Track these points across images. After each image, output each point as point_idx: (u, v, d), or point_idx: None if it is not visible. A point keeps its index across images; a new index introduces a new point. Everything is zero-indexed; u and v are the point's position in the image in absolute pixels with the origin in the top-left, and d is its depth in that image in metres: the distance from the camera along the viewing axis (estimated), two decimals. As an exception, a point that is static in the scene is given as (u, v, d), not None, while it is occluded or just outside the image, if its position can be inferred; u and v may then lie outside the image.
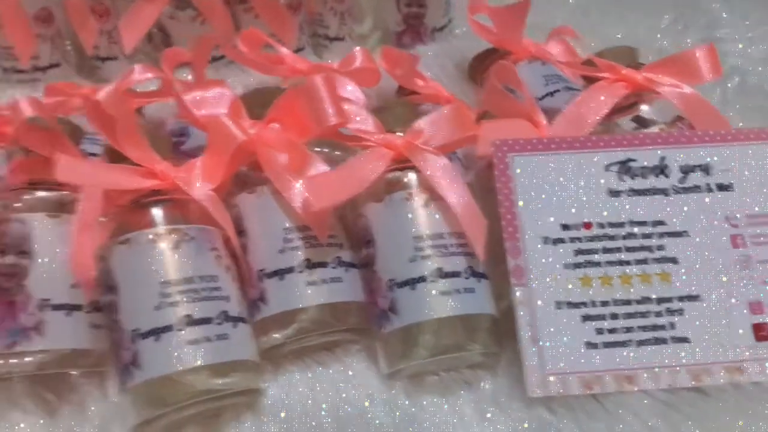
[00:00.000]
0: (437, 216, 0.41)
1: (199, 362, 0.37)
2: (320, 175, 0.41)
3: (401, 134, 0.44)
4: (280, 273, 0.41)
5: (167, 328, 0.37)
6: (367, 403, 0.40)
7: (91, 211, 0.42)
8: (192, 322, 0.37)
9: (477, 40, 0.75)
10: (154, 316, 0.37)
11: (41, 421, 0.40)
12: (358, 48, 0.63)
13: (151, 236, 0.39)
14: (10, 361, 0.39)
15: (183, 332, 0.37)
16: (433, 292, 0.39)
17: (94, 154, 0.48)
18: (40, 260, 0.40)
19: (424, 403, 0.40)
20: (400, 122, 0.45)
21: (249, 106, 0.46)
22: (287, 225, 0.42)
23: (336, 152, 0.48)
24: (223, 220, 0.41)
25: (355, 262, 0.43)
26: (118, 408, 0.40)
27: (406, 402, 0.40)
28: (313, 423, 0.39)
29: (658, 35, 0.72)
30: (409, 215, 0.41)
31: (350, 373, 0.42)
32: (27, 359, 0.39)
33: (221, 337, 0.38)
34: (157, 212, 0.40)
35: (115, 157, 0.42)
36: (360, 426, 0.39)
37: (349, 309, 0.42)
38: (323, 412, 0.40)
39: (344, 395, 0.41)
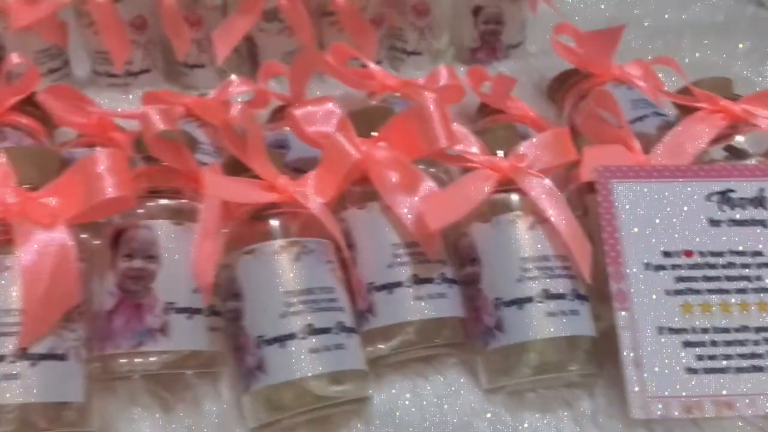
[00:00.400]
0: (543, 238, 0.43)
1: (320, 370, 0.39)
2: (434, 195, 0.43)
3: (501, 155, 0.46)
4: (389, 287, 0.43)
5: (291, 336, 0.39)
6: (470, 417, 0.42)
7: (212, 220, 0.44)
8: (313, 331, 0.39)
9: (551, 59, 0.76)
10: (279, 324, 0.39)
11: (157, 416, 0.42)
12: (443, 66, 0.65)
13: (275, 248, 0.41)
14: (135, 360, 0.41)
15: (305, 341, 0.39)
16: (540, 312, 0.41)
17: (204, 164, 0.51)
18: (166, 265, 0.42)
19: (525, 419, 0.42)
20: (502, 144, 0.47)
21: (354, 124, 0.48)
22: (396, 241, 0.43)
23: (430, 169, 0.50)
24: (337, 234, 0.43)
25: (456, 278, 0.45)
26: (233, 408, 0.42)
27: (508, 417, 0.42)
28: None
29: (735, 61, 0.73)
30: (516, 237, 0.43)
31: (451, 386, 0.44)
32: (151, 359, 0.41)
33: (338, 346, 0.40)
34: (275, 224, 0.42)
35: (232, 169, 0.45)
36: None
37: (452, 324, 0.44)
38: (426, 423, 0.42)
39: (446, 407, 0.43)
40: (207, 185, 0.40)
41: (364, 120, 0.48)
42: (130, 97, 0.70)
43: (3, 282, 0.37)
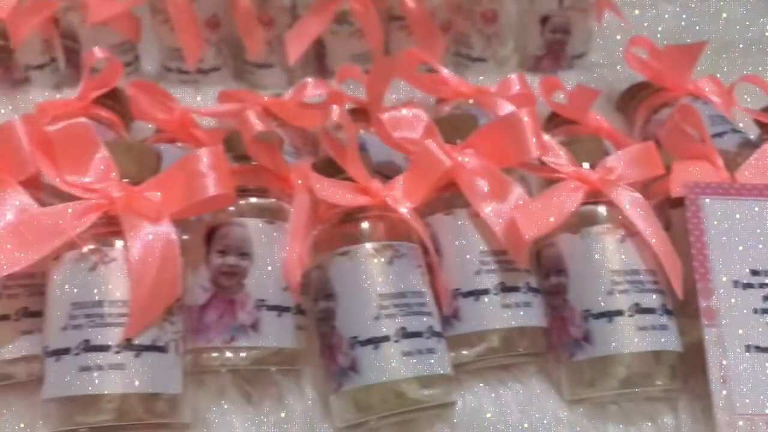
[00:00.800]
0: (633, 252, 0.43)
1: (412, 373, 0.39)
2: (526, 204, 0.43)
3: (587, 167, 0.46)
4: (475, 294, 0.43)
5: (385, 338, 0.39)
6: (553, 425, 0.42)
7: (302, 220, 0.45)
8: (407, 334, 0.40)
9: (614, 70, 0.77)
10: (373, 325, 0.40)
11: (247, 411, 0.43)
12: (514, 74, 0.65)
13: (369, 250, 0.41)
14: (227, 354, 0.42)
15: (398, 343, 0.39)
16: (630, 326, 0.41)
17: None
18: (257, 263, 0.43)
19: (608, 430, 0.42)
20: (589, 156, 0.47)
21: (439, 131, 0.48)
22: (484, 248, 0.44)
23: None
24: (426, 239, 0.43)
25: (539, 288, 0.45)
26: (317, 406, 0.43)
27: (591, 428, 0.42)
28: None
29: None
30: (607, 249, 0.43)
31: (532, 394, 0.44)
32: (242, 354, 0.42)
33: (430, 351, 0.40)
34: (366, 227, 0.43)
35: (323, 170, 0.45)
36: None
37: (535, 334, 0.44)
38: (510, 429, 0.42)
39: (528, 415, 0.43)
40: (313, 186, 0.41)
41: (450, 127, 0.48)
42: (198, 97, 0.71)
43: (108, 273, 0.38)
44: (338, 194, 0.42)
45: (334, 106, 0.43)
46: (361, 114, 0.61)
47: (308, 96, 0.61)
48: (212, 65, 0.72)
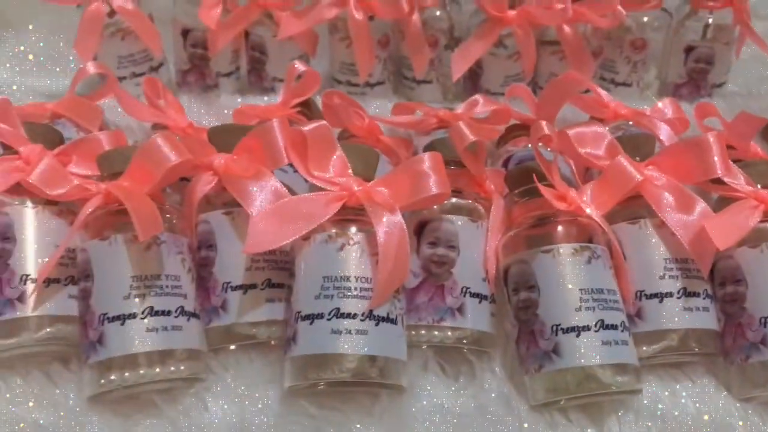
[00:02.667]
0: (812, 267, 0.47)
1: (608, 360, 0.44)
2: (713, 218, 0.48)
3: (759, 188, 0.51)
4: (659, 296, 0.48)
5: (586, 328, 0.45)
6: (726, 418, 0.47)
7: (499, 220, 0.51)
8: (605, 326, 0.45)
9: (753, 99, 0.80)
10: (575, 316, 0.45)
11: (446, 383, 0.49)
12: (667, 99, 0.70)
13: (571, 250, 0.47)
14: (434, 332, 0.49)
15: (598, 333, 0.45)
16: (809, 333, 0.45)
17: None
18: (462, 254, 0.49)
19: (780, 428, 0.46)
20: (762, 178, 0.51)
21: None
22: (668, 256, 0.49)
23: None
24: (616, 244, 0.48)
25: (713, 294, 0.50)
26: (508, 383, 0.49)
27: (761, 423, 0.46)
28: (685, 429, 0.46)
29: None
30: (788, 264, 0.47)
31: (703, 391, 0.48)
32: (448, 333, 0.48)
33: (623, 342, 0.45)
34: (561, 230, 0.48)
35: (518, 178, 0.51)
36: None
37: (709, 336, 0.48)
38: (686, 418, 0.47)
39: (702, 408, 0.47)
40: (546, 193, 0.47)
41: (631, 145, 0.53)
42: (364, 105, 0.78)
43: (354, 254, 0.45)
44: (545, 201, 0.48)
45: (544, 122, 0.49)
46: (521, 130, 0.67)
47: (478, 111, 0.67)
48: (378, 79, 0.80)
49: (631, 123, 0.66)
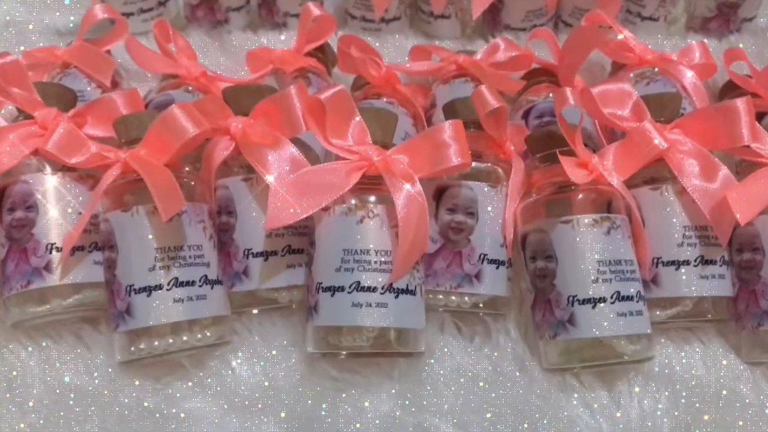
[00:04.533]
0: None
1: (623, 331, 0.45)
2: (735, 187, 0.47)
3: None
4: (676, 264, 0.48)
5: (602, 299, 0.45)
6: (733, 381, 0.49)
7: (518, 185, 0.51)
8: (621, 297, 0.46)
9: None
10: (592, 288, 0.46)
11: (462, 344, 0.50)
12: (695, 42, 0.67)
13: (590, 221, 0.47)
14: (451, 297, 0.50)
15: (614, 305, 0.45)
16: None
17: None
18: (482, 221, 0.49)
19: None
20: (789, 143, 0.50)
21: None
22: (687, 223, 0.49)
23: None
24: (636, 213, 0.48)
25: (729, 261, 0.50)
26: (522, 344, 0.50)
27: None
28: (697, 391, 0.48)
29: None
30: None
31: (713, 354, 0.50)
32: (465, 299, 0.49)
33: (638, 312, 0.46)
34: (581, 198, 0.48)
35: (539, 142, 0.50)
36: (729, 402, 0.47)
37: (723, 302, 0.49)
38: (695, 381, 0.48)
39: (712, 370, 0.49)
40: (566, 164, 0.46)
41: (657, 105, 0.52)
42: (377, 43, 0.76)
43: (374, 227, 0.45)
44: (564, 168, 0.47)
45: (568, 90, 0.47)
46: (543, 75, 0.65)
47: (499, 56, 0.65)
48: (394, 15, 0.76)
49: (656, 69, 0.64)
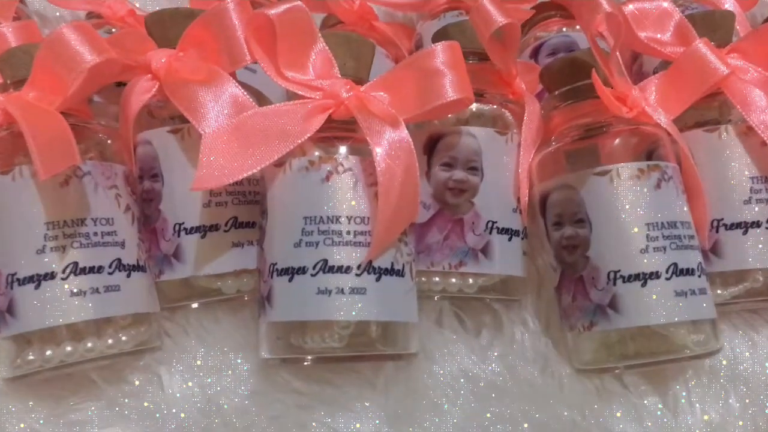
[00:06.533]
0: None
1: (684, 316, 0.34)
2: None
3: None
4: (743, 226, 0.37)
5: (654, 275, 0.34)
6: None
7: (533, 132, 0.39)
8: (679, 271, 0.34)
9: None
10: (641, 259, 0.34)
11: (467, 341, 0.39)
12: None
13: (635, 171, 0.35)
14: (452, 280, 0.38)
15: (670, 281, 0.34)
16: None
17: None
18: (487, 178, 0.38)
19: None
20: None
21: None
22: (755, 173, 0.37)
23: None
24: (690, 159, 0.37)
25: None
26: (541, 337, 0.39)
27: None
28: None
29: None
30: None
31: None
32: (470, 281, 0.38)
33: (701, 291, 0.35)
34: (619, 143, 0.37)
35: (567, 76, 0.39)
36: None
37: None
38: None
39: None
40: (603, 96, 0.35)
41: (705, 25, 0.40)
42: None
43: (344, 185, 0.33)
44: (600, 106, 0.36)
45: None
46: (552, 9, 0.53)
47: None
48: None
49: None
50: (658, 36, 0.40)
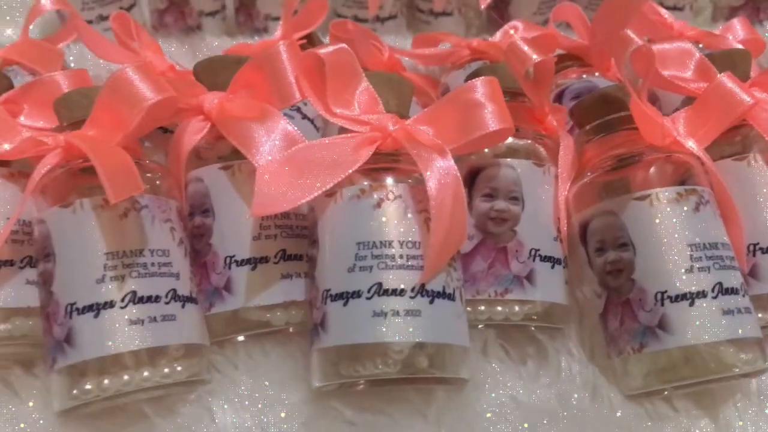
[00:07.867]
0: None
1: (731, 335, 0.34)
2: None
3: None
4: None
5: (701, 294, 0.35)
6: None
7: (569, 164, 0.41)
8: (723, 290, 0.35)
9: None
10: (686, 279, 0.35)
11: (513, 369, 0.39)
12: (736, 19, 0.59)
13: (673, 195, 0.36)
14: (497, 308, 0.38)
15: (717, 300, 0.35)
16: None
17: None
18: (529, 208, 0.39)
19: None
20: None
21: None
22: (789, 198, 0.39)
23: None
24: (722, 184, 0.38)
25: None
26: (590, 366, 0.39)
27: None
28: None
29: None
30: None
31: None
32: (516, 308, 0.38)
33: (746, 310, 0.35)
34: (654, 172, 0.38)
35: (598, 111, 0.41)
36: None
37: None
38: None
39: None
40: (643, 122, 0.36)
41: (724, 63, 0.43)
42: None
43: (396, 211, 0.34)
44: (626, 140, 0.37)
45: (631, 32, 0.38)
46: (570, 60, 0.56)
47: (518, 38, 0.56)
48: (389, 13, 0.68)
49: (701, 45, 0.55)
50: (680, 74, 0.43)
